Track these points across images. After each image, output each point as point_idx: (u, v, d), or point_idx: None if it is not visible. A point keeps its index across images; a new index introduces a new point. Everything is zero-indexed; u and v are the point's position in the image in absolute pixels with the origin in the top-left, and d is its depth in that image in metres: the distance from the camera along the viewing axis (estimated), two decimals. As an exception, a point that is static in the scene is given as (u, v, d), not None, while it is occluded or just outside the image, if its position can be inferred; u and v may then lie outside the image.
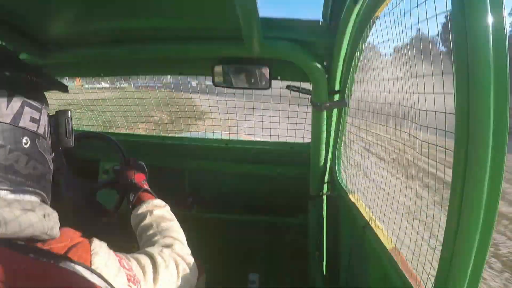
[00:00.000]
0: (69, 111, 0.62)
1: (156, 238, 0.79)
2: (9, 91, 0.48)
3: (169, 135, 1.80)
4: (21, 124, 0.50)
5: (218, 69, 1.26)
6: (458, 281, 0.52)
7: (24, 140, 0.51)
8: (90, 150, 1.82)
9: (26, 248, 0.42)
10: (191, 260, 0.75)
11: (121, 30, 1.08)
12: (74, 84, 2.35)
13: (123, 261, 0.56)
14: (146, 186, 1.05)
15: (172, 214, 0.92)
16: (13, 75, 0.50)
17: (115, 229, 1.34)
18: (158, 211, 0.89)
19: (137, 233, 0.87)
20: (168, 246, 0.75)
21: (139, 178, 1.09)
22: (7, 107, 0.48)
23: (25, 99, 0.51)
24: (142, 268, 0.61)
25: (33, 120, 0.52)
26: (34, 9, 0.92)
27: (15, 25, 1.01)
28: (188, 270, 0.72)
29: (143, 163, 1.19)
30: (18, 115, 0.50)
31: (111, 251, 0.56)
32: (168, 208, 0.94)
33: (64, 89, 0.62)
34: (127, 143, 1.75)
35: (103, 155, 1.81)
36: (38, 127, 0.54)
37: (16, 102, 0.49)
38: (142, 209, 0.90)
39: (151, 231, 0.82)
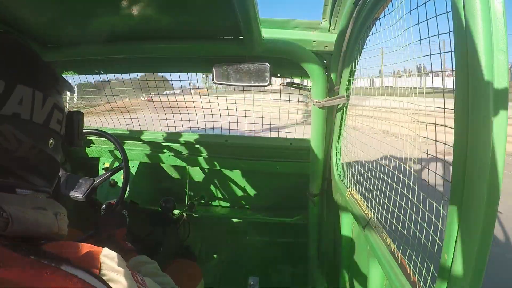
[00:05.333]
0: (82, 113, 0.63)
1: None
2: (44, 93, 0.49)
3: (169, 131, 1.79)
4: (51, 125, 0.50)
5: (218, 67, 1.26)
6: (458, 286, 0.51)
7: (50, 141, 0.51)
8: (89, 147, 1.82)
9: (29, 249, 0.40)
10: None
11: (121, 29, 1.08)
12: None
13: (136, 275, 0.53)
14: (127, 246, 1.04)
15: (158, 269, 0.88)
16: (44, 77, 0.51)
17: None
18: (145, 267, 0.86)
19: None
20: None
21: (120, 234, 1.09)
22: (42, 107, 0.48)
23: (55, 101, 0.51)
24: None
25: (58, 121, 0.53)
26: (33, 8, 0.91)
27: (14, 24, 1.01)
28: None
29: (126, 214, 1.19)
30: (49, 116, 0.50)
31: (125, 263, 0.52)
32: (154, 263, 0.90)
33: (71, 89, 0.63)
34: (126, 139, 1.75)
35: (103, 152, 1.81)
36: (61, 128, 0.54)
37: (49, 104, 0.50)
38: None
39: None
